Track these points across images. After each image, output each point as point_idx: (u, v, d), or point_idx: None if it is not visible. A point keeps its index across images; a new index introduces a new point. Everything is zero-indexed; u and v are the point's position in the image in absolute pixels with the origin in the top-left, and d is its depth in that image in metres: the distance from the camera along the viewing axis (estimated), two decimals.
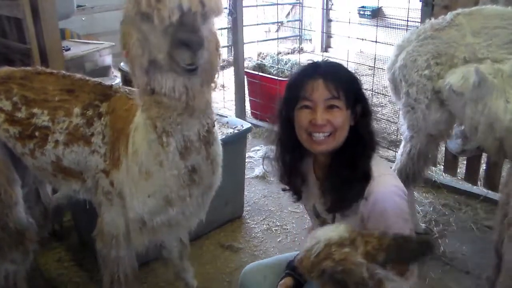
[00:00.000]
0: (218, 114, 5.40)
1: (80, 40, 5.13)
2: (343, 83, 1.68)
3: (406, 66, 2.85)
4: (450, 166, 3.92)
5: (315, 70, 1.72)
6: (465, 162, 3.88)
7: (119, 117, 2.01)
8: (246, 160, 3.88)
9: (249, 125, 3.41)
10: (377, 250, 1.28)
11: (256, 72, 5.48)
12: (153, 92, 1.62)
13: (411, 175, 3.01)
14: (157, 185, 1.85)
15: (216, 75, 1.73)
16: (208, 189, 1.99)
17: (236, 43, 5.26)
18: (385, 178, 1.67)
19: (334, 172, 1.72)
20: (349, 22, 6.18)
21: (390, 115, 5.29)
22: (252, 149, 4.75)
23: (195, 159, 1.80)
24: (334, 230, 1.36)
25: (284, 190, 1.95)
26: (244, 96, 5.55)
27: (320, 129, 1.66)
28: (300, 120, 1.71)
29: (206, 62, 1.58)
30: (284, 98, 1.80)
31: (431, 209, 3.63)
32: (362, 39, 5.39)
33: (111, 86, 2.19)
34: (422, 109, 2.82)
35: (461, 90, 2.54)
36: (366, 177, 1.66)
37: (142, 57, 1.55)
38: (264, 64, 5.80)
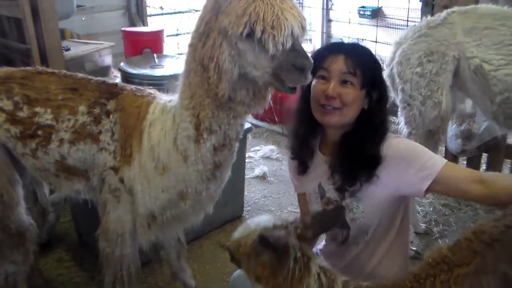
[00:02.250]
0: None
1: (80, 40, 5.12)
2: (363, 63, 1.73)
3: (401, 63, 2.88)
4: None
5: (340, 46, 1.81)
6: (465, 162, 3.89)
7: (129, 114, 2.03)
8: (246, 160, 3.88)
9: (249, 125, 3.41)
10: (305, 230, 1.45)
11: None
12: (229, 99, 1.72)
13: None
14: (173, 180, 1.92)
15: None
16: (222, 183, 2.06)
17: None
18: (387, 141, 1.74)
19: (343, 152, 1.76)
20: (349, 22, 6.20)
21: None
22: (252, 149, 4.76)
23: (223, 155, 1.89)
24: (267, 220, 1.49)
25: (292, 158, 1.98)
26: None
27: (330, 101, 1.72)
28: (314, 89, 1.77)
29: None
30: None
31: (431, 209, 3.63)
32: (362, 39, 5.40)
33: (116, 84, 2.20)
34: (417, 105, 2.85)
35: None
36: (374, 161, 1.70)
37: (233, 71, 1.65)
38: None
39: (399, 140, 1.76)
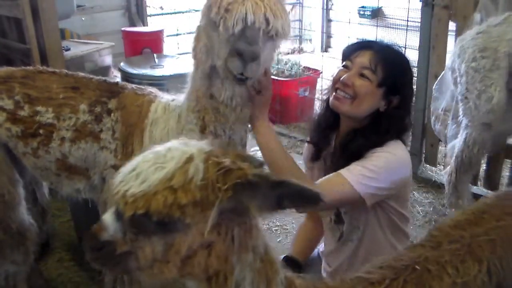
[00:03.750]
0: None
1: (80, 40, 5.12)
2: (388, 63, 1.75)
3: (459, 57, 2.93)
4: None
5: (372, 43, 1.87)
6: None
7: (131, 113, 2.03)
8: None
9: (249, 125, 3.41)
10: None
11: None
12: (211, 97, 1.75)
13: (467, 161, 3.04)
14: None
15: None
16: None
17: None
18: (396, 145, 1.76)
19: (343, 144, 1.80)
20: (349, 22, 6.19)
21: None
22: (252, 149, 4.75)
23: None
24: (189, 143, 1.13)
25: (308, 142, 2.03)
26: None
27: (344, 87, 1.76)
28: (335, 75, 1.83)
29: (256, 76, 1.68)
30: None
31: (431, 209, 3.62)
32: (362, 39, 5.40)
33: (117, 83, 2.21)
34: (473, 99, 2.87)
35: None
36: (356, 157, 1.73)
37: (206, 63, 1.68)
38: None
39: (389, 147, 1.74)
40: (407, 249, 1.43)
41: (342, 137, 1.84)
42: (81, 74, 2.27)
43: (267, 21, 1.55)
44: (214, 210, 1.01)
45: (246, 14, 1.50)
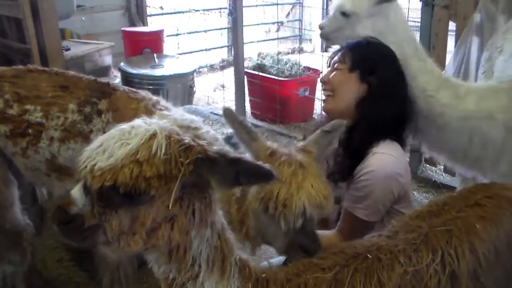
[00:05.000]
0: (217, 114, 5.43)
1: (80, 40, 5.12)
2: (354, 48, 1.83)
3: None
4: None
5: (347, 44, 1.93)
6: None
7: (124, 116, 1.98)
8: None
9: (249, 125, 3.41)
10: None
11: (256, 72, 5.48)
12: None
13: None
14: None
15: None
16: None
17: (236, 43, 5.27)
18: (383, 157, 1.74)
19: (345, 142, 1.83)
20: None
21: None
22: None
23: None
24: (153, 121, 1.18)
25: None
26: (244, 96, 5.55)
27: (323, 87, 1.88)
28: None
29: None
30: None
31: None
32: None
33: (108, 83, 2.17)
34: None
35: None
36: (356, 155, 1.76)
37: (258, 237, 1.61)
38: (264, 64, 5.80)
39: (380, 174, 1.74)
40: (364, 239, 1.46)
41: (340, 137, 1.85)
42: (72, 72, 2.24)
43: (321, 208, 1.50)
44: (177, 183, 1.07)
45: (305, 209, 1.43)
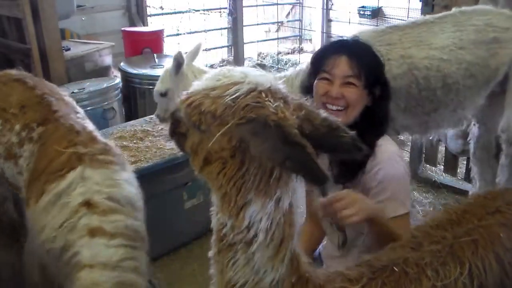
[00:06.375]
0: None
1: (80, 40, 5.12)
2: (367, 63, 1.74)
3: None
4: (450, 166, 3.92)
5: (342, 46, 1.80)
6: (465, 162, 3.88)
7: (46, 155, 1.82)
8: None
9: None
10: (307, 120, 1.15)
11: None
12: None
13: None
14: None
15: None
16: None
17: (236, 43, 5.28)
18: (387, 146, 1.76)
19: None
20: (349, 22, 6.20)
21: None
22: None
23: None
24: (262, 75, 1.17)
25: None
26: None
27: (334, 101, 1.73)
28: (317, 90, 1.77)
29: None
30: (309, 68, 1.89)
31: (431, 209, 3.62)
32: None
33: (55, 110, 1.98)
34: None
35: None
36: (368, 151, 1.69)
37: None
38: (264, 64, 5.81)
39: (392, 162, 1.73)
40: (388, 249, 1.39)
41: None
42: (46, 89, 2.13)
43: None
44: (224, 129, 1.09)
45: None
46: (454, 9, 2.69)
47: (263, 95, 1.09)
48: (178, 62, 2.86)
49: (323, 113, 1.19)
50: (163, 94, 2.91)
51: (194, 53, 3.01)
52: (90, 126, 2.02)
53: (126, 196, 1.73)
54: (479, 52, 2.48)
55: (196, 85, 1.17)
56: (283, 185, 1.13)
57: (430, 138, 3.26)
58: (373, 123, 1.76)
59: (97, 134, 1.98)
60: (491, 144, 2.95)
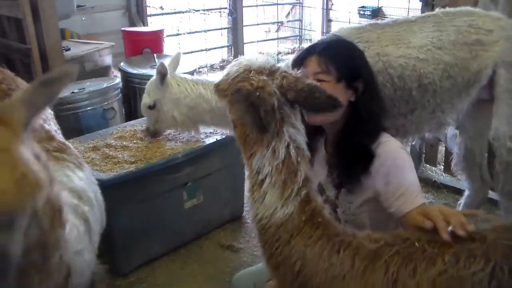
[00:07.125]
0: None
1: (80, 40, 5.13)
2: (337, 57, 1.73)
3: None
4: (450, 166, 3.91)
5: (314, 46, 1.81)
6: None
7: None
8: None
9: None
10: (290, 88, 1.42)
11: None
12: None
13: None
14: None
15: None
16: None
17: (236, 43, 5.28)
18: (389, 142, 1.75)
19: (339, 148, 1.79)
20: (349, 22, 6.20)
21: None
22: None
23: None
24: (258, 59, 1.49)
25: None
26: None
27: None
28: None
29: None
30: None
31: None
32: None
33: (9, 113, 1.78)
34: None
35: None
36: (366, 153, 1.71)
37: None
38: None
39: (395, 153, 1.73)
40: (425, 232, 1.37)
41: (333, 143, 1.82)
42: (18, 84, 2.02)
43: None
44: (224, 99, 1.48)
45: None
46: (437, 10, 2.63)
47: (252, 72, 1.42)
48: (162, 74, 2.87)
49: (307, 80, 1.47)
50: (152, 107, 2.89)
51: (175, 62, 3.05)
52: (52, 125, 1.94)
53: (73, 187, 1.68)
54: (459, 53, 2.41)
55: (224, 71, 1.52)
56: (275, 137, 1.40)
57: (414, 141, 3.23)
58: (361, 120, 1.75)
59: (56, 134, 1.92)
60: (473, 152, 2.89)
